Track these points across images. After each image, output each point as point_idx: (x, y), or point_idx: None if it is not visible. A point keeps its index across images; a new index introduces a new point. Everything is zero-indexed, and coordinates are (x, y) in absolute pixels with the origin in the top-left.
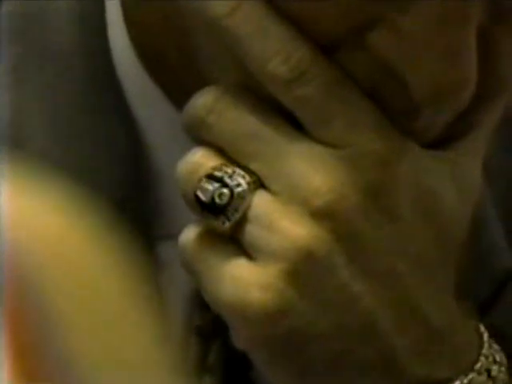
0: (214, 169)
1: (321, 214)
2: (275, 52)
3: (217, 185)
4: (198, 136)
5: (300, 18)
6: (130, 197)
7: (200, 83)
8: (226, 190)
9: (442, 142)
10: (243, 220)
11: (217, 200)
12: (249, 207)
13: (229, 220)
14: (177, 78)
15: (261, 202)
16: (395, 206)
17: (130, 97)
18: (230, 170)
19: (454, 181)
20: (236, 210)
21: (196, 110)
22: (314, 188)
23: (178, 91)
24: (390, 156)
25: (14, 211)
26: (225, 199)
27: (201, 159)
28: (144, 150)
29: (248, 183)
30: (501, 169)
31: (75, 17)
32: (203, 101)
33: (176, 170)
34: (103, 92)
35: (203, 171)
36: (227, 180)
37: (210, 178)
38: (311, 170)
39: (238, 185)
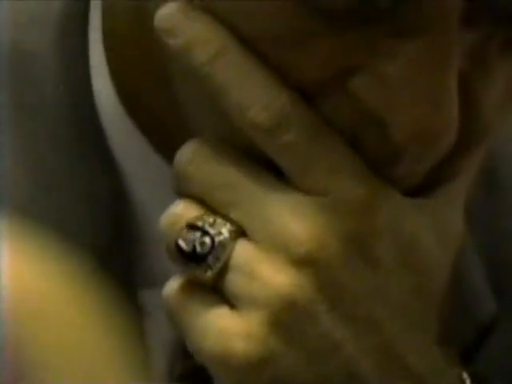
0: (196, 218)
1: (302, 262)
2: (255, 99)
3: (198, 234)
4: (180, 188)
5: (281, 64)
6: (114, 246)
7: (183, 129)
8: (207, 239)
9: (422, 189)
10: (225, 269)
11: (198, 249)
12: (230, 256)
13: (211, 269)
14: (160, 125)
15: (242, 250)
16: (376, 254)
17: (113, 144)
18: (211, 219)
19: (435, 229)
20: (217, 259)
21: (177, 163)
22: (294, 236)
23: (161, 138)
24: (370, 203)
25: (13, 274)
26: (206, 248)
27: (182, 210)
28: (128, 198)
29: (229, 232)
30: (482, 214)
31: (59, 62)
32: (184, 154)
33: (159, 223)
34: (86, 140)
35: (184, 221)
36: (208, 229)
37: (192, 227)
38: (292, 218)
39: (220, 233)
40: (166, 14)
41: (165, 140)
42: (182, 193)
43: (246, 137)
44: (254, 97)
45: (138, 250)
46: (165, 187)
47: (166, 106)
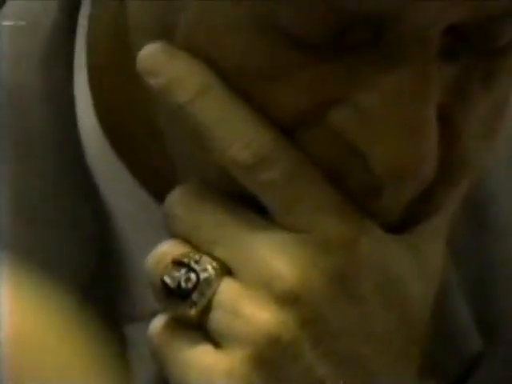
0: (181, 255)
1: (285, 299)
2: (237, 137)
3: (183, 270)
4: (169, 229)
5: (262, 98)
6: (98, 280)
7: (169, 165)
8: (192, 275)
9: (405, 224)
10: (209, 306)
11: (183, 285)
12: (215, 293)
13: (195, 305)
14: (144, 159)
15: (226, 288)
16: (359, 290)
17: (98, 180)
18: (196, 257)
19: (417, 265)
20: (202, 295)
21: (166, 205)
22: (277, 273)
23: (146, 173)
24: (354, 241)
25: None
26: (191, 284)
27: (168, 248)
28: (112, 232)
29: (214, 269)
30: (468, 252)
31: (44, 97)
32: (172, 196)
33: (145, 261)
34: (71, 173)
35: (170, 258)
36: (194, 265)
37: (178, 264)
38: (275, 255)
39: (205, 270)
40: (146, 55)
41: (150, 175)
42: (171, 233)
43: (230, 174)
44: (235, 134)
45: (122, 285)
46: (150, 223)
47: (151, 141)
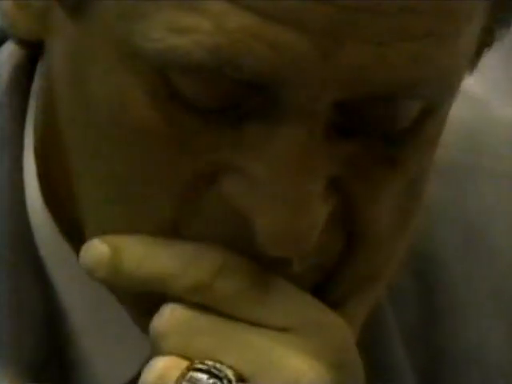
0: (199, 362)
1: None
2: (177, 269)
3: (205, 376)
4: (160, 348)
5: (161, 161)
6: (51, 363)
7: None
8: (217, 381)
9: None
10: None
11: None
12: None
13: None
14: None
15: None
16: None
17: (46, 259)
18: (216, 364)
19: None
20: None
21: (156, 325)
22: (301, 372)
23: None
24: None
25: None
26: None
27: (168, 363)
28: (62, 314)
29: (234, 375)
30: (422, 341)
31: None
32: (161, 316)
33: (141, 379)
34: (19, 255)
35: (175, 372)
36: (215, 371)
37: (197, 370)
38: (287, 354)
39: (226, 376)
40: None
41: None
42: (162, 350)
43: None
44: (175, 267)
45: (75, 368)
46: (100, 304)
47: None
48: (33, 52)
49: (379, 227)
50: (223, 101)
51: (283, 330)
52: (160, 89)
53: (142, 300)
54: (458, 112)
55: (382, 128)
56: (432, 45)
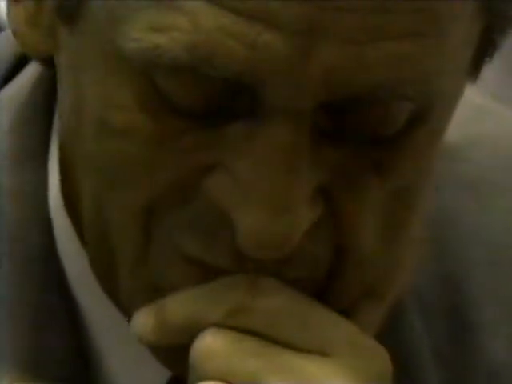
0: None
1: None
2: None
3: None
4: (203, 371)
5: (149, 161)
6: (73, 378)
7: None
8: None
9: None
10: None
11: None
12: None
13: None
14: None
15: None
16: None
17: (69, 273)
18: None
19: None
20: None
21: (198, 348)
22: None
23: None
24: None
25: None
26: None
27: None
28: (85, 329)
29: None
30: (449, 356)
31: (17, 195)
32: (202, 341)
33: None
34: (45, 268)
35: None
36: None
37: None
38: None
39: None
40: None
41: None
42: (204, 376)
43: None
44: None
45: (99, 379)
46: (122, 325)
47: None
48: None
49: (367, 239)
50: (207, 101)
51: (324, 353)
52: (146, 91)
53: (175, 350)
54: (485, 128)
55: (370, 132)
56: (412, 45)
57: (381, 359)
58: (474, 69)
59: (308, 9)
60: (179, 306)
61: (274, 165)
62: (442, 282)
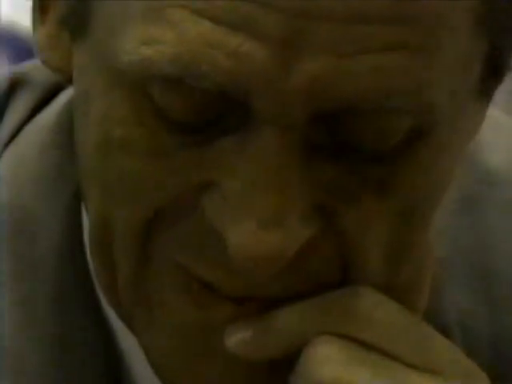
0: None
1: None
2: None
3: None
4: (318, 375)
5: (144, 175)
6: None
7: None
8: None
9: None
10: None
11: None
12: None
13: None
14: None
15: None
16: None
17: (102, 297)
18: None
19: None
20: None
21: (313, 353)
22: None
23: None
24: None
25: None
26: None
27: None
28: (119, 354)
29: None
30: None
31: (53, 218)
32: (316, 346)
33: None
34: (81, 292)
35: None
36: None
37: None
38: None
39: None
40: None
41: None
42: (317, 380)
43: None
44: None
45: None
46: None
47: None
48: None
49: (371, 257)
50: (200, 116)
51: (433, 371)
52: (144, 106)
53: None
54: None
55: (367, 147)
56: (398, 56)
57: (484, 382)
58: (485, 90)
59: (289, 18)
60: (289, 315)
61: (263, 178)
62: (489, 308)
